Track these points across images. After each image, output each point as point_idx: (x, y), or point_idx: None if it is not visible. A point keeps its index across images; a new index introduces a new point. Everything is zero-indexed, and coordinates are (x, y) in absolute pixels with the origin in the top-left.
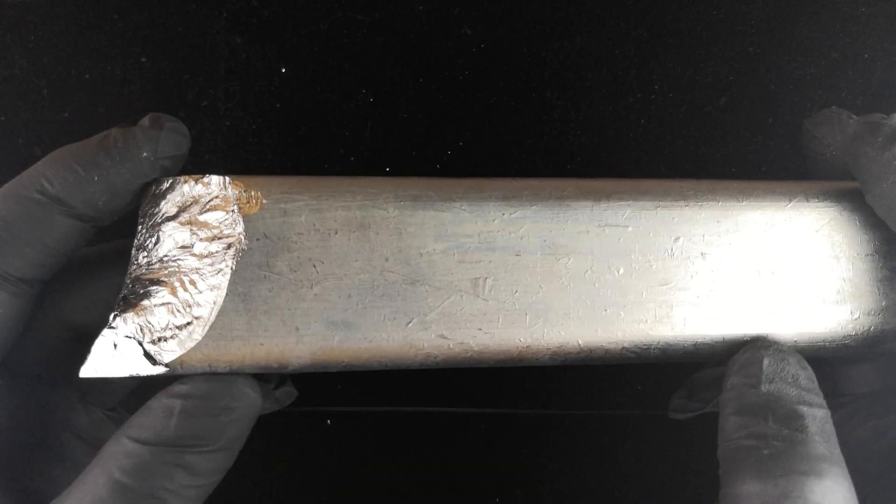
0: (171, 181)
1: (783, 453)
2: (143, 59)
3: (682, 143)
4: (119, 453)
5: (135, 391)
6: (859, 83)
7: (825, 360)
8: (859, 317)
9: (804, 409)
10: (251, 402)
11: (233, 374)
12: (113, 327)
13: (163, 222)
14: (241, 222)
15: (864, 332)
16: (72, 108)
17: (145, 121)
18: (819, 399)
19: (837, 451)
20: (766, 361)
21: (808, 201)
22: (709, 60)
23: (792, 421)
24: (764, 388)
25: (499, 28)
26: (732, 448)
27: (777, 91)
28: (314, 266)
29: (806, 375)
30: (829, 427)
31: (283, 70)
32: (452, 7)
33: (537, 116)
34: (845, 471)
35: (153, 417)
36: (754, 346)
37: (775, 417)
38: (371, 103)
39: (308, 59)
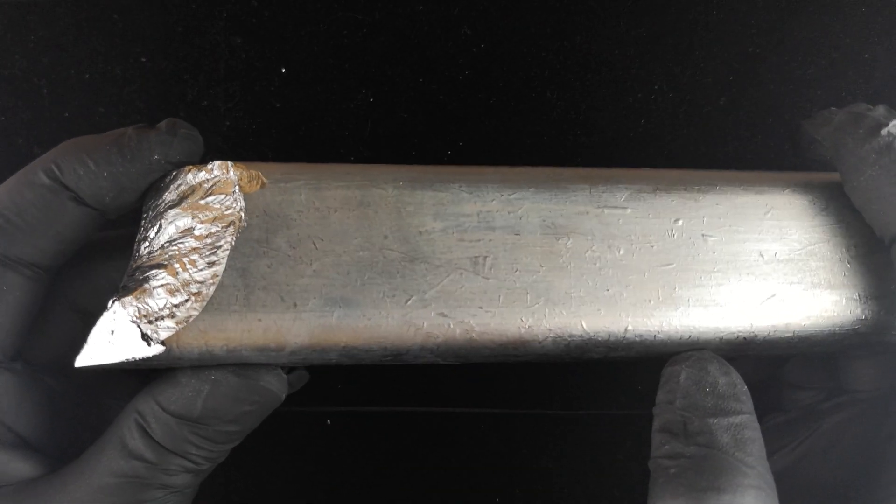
0: (174, 173)
1: (687, 470)
2: (143, 59)
3: (682, 143)
4: (149, 413)
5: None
6: (859, 83)
7: (836, 353)
8: (867, 300)
9: (714, 421)
10: (274, 397)
11: (261, 368)
12: (111, 312)
13: (165, 210)
14: (242, 200)
15: (873, 316)
16: (72, 108)
17: (162, 125)
18: (738, 404)
19: (753, 457)
20: (683, 375)
21: (806, 188)
22: (709, 60)
23: (700, 436)
24: (679, 403)
25: (499, 28)
26: (653, 464)
27: (777, 91)
28: (313, 243)
29: (726, 381)
30: (748, 433)
31: (283, 70)
32: (452, 7)
33: (537, 116)
34: (756, 479)
35: (182, 393)
36: (676, 360)
37: (686, 434)
38: (371, 103)
39: (308, 59)
